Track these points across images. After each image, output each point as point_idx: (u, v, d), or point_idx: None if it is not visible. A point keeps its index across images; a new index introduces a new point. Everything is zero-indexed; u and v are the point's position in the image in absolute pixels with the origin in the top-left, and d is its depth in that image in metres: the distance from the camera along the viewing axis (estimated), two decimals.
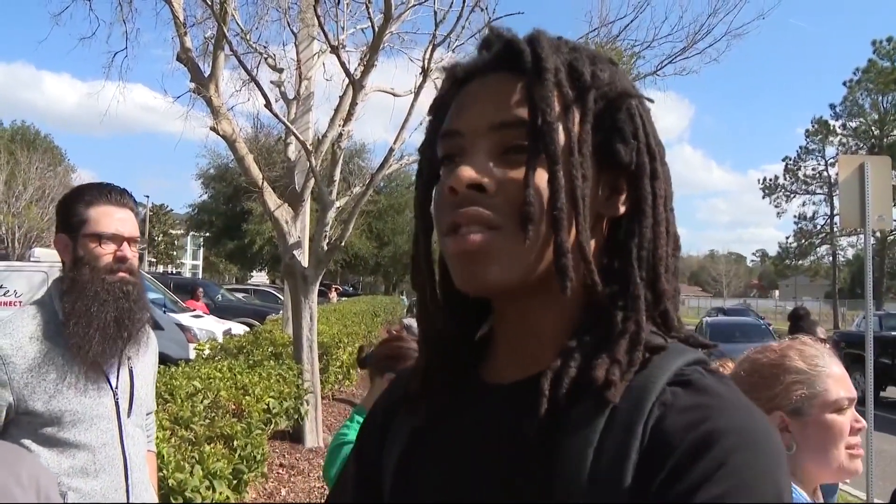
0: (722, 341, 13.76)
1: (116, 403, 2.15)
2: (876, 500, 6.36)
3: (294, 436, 7.99)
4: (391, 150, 7.81)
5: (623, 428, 0.72)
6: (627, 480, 0.70)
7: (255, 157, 8.37)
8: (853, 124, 49.78)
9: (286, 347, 8.70)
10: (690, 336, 0.84)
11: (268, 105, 7.64)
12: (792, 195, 53.27)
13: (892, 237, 44.55)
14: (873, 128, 48.72)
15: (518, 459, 0.78)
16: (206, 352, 8.45)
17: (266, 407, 5.73)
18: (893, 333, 14.95)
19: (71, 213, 2.15)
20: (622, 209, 0.84)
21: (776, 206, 53.94)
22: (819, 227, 52.36)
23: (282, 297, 17.08)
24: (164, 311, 13.24)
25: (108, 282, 2.11)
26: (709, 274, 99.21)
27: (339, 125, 7.81)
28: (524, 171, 0.78)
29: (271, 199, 7.87)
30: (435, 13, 7.69)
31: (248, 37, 8.51)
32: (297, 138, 7.75)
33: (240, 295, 25.49)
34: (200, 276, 61.92)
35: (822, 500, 1.73)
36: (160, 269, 66.64)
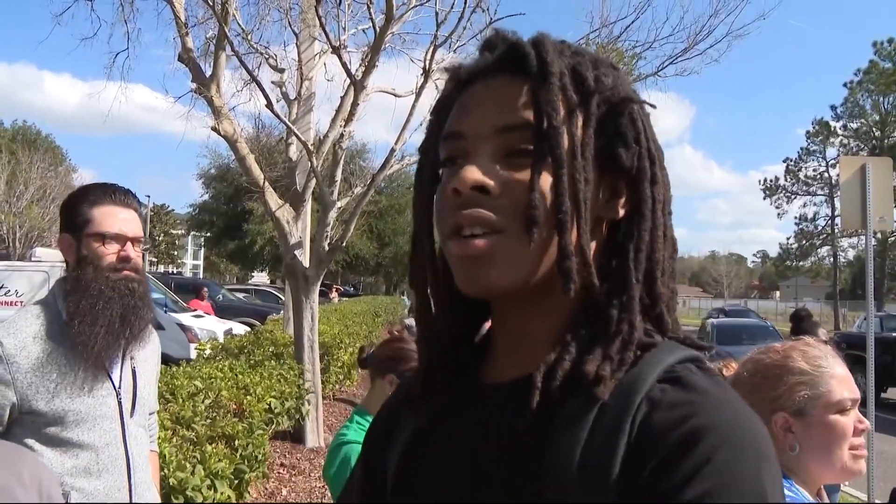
0: (728, 343, 13.72)
1: (119, 403, 2.16)
2: (876, 501, 6.36)
3: (295, 436, 7.99)
4: (392, 150, 7.81)
5: (611, 423, 0.73)
6: (615, 475, 0.70)
7: (257, 157, 8.37)
8: (854, 125, 49.76)
9: (287, 347, 8.70)
10: (686, 337, 0.84)
11: (269, 105, 7.64)
12: (793, 196, 53.25)
13: (893, 238, 44.51)
14: (874, 129, 48.70)
15: (515, 457, 0.78)
16: (208, 351, 8.45)
17: (267, 407, 5.73)
18: (894, 334, 14.94)
19: (75, 213, 2.15)
20: (622, 212, 0.85)
21: (777, 207, 53.93)
22: (820, 228, 52.33)
23: (282, 297, 17.09)
24: (166, 311, 13.25)
25: (112, 279, 2.12)
26: (709, 275, 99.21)
27: (341, 125, 7.81)
28: (529, 174, 0.78)
29: (273, 199, 7.87)
30: (436, 14, 7.69)
31: (249, 37, 8.51)
32: (299, 138, 7.75)
33: (241, 295, 25.49)
34: (201, 276, 61.90)
35: (826, 501, 1.74)
36: (161, 268, 66.61)
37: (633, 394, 0.74)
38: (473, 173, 0.79)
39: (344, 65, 7.47)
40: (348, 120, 7.73)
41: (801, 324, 7.73)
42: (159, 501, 2.37)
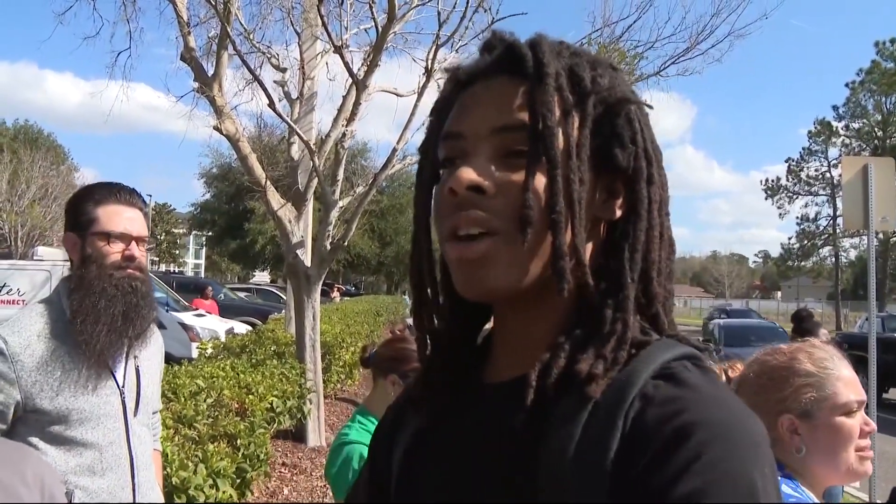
0: (736, 345, 13.69)
1: (123, 402, 2.16)
2: (878, 501, 6.36)
3: (297, 435, 8.00)
4: (394, 150, 7.80)
5: (605, 418, 0.73)
6: (608, 470, 0.70)
7: (259, 156, 8.37)
8: (856, 125, 49.69)
9: (289, 346, 8.70)
10: (684, 338, 0.84)
11: (271, 105, 7.64)
12: (795, 196, 53.18)
13: (894, 238, 44.45)
14: (876, 129, 48.64)
15: (512, 456, 0.78)
16: (209, 351, 8.46)
17: (269, 406, 5.73)
18: None
19: (80, 212, 2.16)
20: (619, 213, 0.85)
21: (779, 208, 53.87)
22: (822, 228, 52.27)
23: (283, 297, 17.07)
24: (167, 310, 13.25)
25: (115, 278, 2.12)
26: (711, 275, 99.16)
27: (343, 125, 7.81)
28: (524, 174, 0.79)
29: (274, 198, 7.88)
30: (438, 13, 7.68)
31: (251, 36, 8.50)
32: (301, 138, 7.74)
33: (242, 294, 25.51)
34: (203, 275, 61.93)
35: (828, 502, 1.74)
36: (163, 268, 66.66)
37: (626, 390, 0.74)
38: (469, 174, 0.80)
39: (346, 64, 7.47)
40: (350, 119, 7.73)
41: (803, 324, 7.71)
42: (162, 500, 2.37)
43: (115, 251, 2.13)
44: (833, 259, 54.00)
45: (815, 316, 8.47)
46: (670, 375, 0.75)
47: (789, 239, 56.34)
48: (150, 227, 2.30)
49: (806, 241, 53.19)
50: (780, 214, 54.56)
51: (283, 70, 8.89)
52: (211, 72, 7.73)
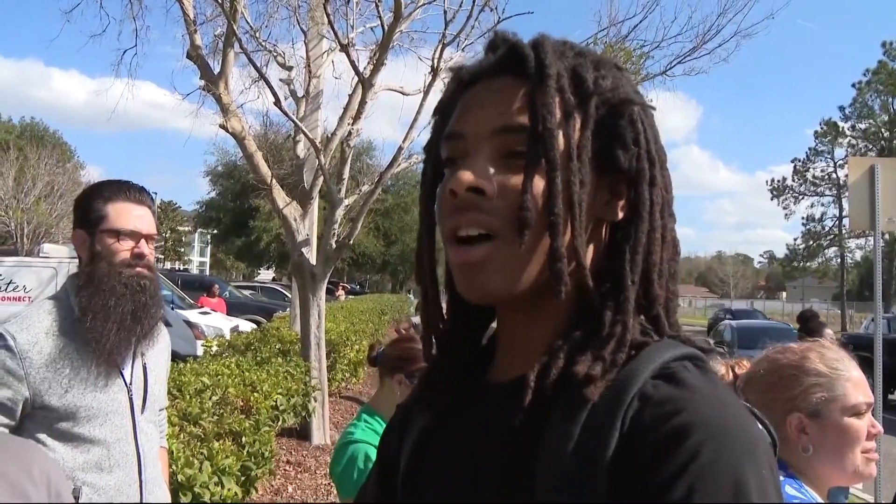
0: (750, 346, 13.63)
1: (130, 399, 2.17)
2: (883, 503, 6.34)
3: (301, 433, 8.01)
4: (400, 148, 7.81)
5: (604, 418, 0.73)
6: (607, 469, 0.70)
7: (264, 154, 8.38)
8: (862, 126, 49.55)
9: (294, 345, 8.71)
10: (686, 338, 0.84)
11: (277, 103, 7.65)
12: (800, 197, 53.05)
13: None
14: (883, 129, 48.49)
15: (512, 455, 0.79)
16: (214, 348, 8.47)
17: (274, 404, 5.74)
18: None
19: (89, 209, 2.16)
20: (621, 214, 0.85)
21: (784, 208, 53.76)
22: (827, 228, 52.13)
23: (288, 295, 17.07)
24: (173, 308, 13.27)
25: (125, 276, 2.12)
26: (716, 275, 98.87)
27: (349, 123, 7.82)
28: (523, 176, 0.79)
29: (280, 196, 7.89)
30: (444, 12, 7.69)
31: (257, 35, 8.52)
32: (307, 136, 7.75)
33: (247, 292, 25.53)
34: (208, 273, 62.01)
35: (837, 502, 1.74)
36: (168, 265, 66.73)
37: (626, 389, 0.74)
38: (469, 175, 0.80)
39: (352, 63, 7.48)
40: (356, 118, 7.73)
41: (808, 324, 7.70)
42: (169, 497, 2.38)
43: (124, 248, 2.14)
44: (838, 260, 53.89)
45: (821, 316, 8.46)
46: (670, 375, 0.75)
47: (795, 239, 56.25)
48: (157, 224, 2.30)
49: (811, 242, 53.06)
50: (786, 215, 54.56)
51: (289, 68, 8.90)
52: (217, 70, 7.74)
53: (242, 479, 4.28)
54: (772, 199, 54.49)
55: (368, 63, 7.80)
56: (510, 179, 0.80)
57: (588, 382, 0.75)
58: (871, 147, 48.00)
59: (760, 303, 66.46)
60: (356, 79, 7.68)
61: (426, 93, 7.73)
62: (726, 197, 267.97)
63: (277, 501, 6.20)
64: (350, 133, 7.79)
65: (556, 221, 0.78)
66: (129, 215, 2.15)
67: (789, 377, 1.65)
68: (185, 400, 4.78)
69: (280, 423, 6.08)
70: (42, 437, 2.00)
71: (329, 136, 8.28)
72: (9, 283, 11.62)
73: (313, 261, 8.03)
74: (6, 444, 1.37)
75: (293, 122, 7.95)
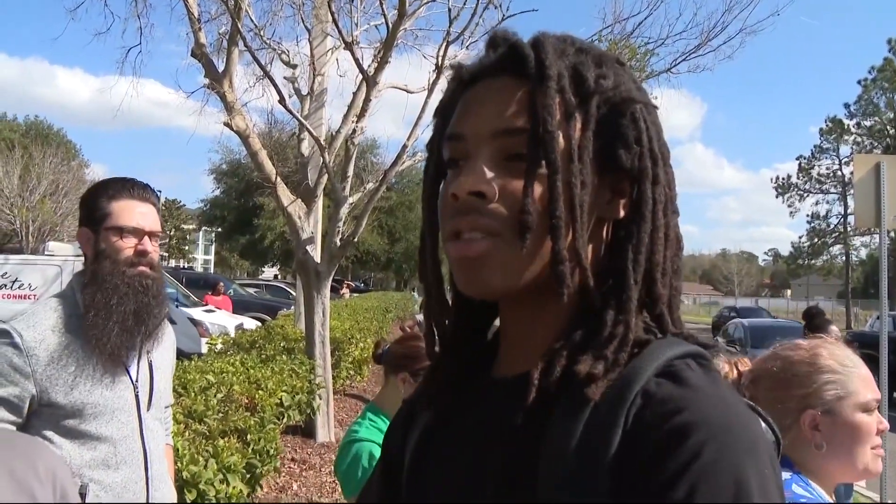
0: (763, 346, 13.62)
1: (136, 397, 2.17)
2: (889, 502, 6.33)
3: (306, 430, 8.02)
4: (404, 146, 7.80)
5: (607, 415, 0.73)
6: (609, 466, 0.70)
7: (269, 152, 8.39)
8: (868, 123, 49.35)
9: (298, 342, 8.73)
10: (689, 336, 0.84)
11: (281, 101, 7.65)
12: (805, 194, 52.91)
13: None
14: (889, 127, 48.28)
15: (514, 453, 0.79)
16: (219, 346, 8.48)
17: (279, 401, 5.75)
18: None
19: (94, 207, 2.17)
20: (623, 212, 0.85)
21: (789, 206, 53.60)
22: (832, 226, 51.99)
23: (292, 293, 17.07)
24: (177, 306, 13.29)
25: (128, 275, 2.13)
26: (720, 272, 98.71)
27: (353, 121, 7.82)
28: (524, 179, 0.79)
29: (285, 194, 7.89)
30: (449, 10, 7.67)
31: (262, 33, 8.52)
32: (311, 134, 7.75)
33: (251, 290, 25.56)
34: (212, 271, 62.09)
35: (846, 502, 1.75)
36: (172, 263, 66.84)
37: (629, 387, 0.74)
38: (471, 179, 0.80)
39: (356, 61, 7.47)
40: (360, 116, 7.73)
41: (814, 321, 7.69)
42: (174, 494, 2.38)
43: (127, 246, 2.14)
44: (843, 257, 53.73)
45: (826, 314, 8.44)
46: (672, 373, 0.75)
47: (800, 237, 56.05)
48: (163, 222, 2.30)
49: (816, 240, 52.90)
50: (791, 213, 54.24)
51: (294, 66, 8.91)
52: (221, 68, 7.74)
53: (247, 476, 4.29)
54: (776, 197, 54.36)
55: (373, 61, 7.80)
56: (511, 182, 0.79)
57: (590, 381, 0.75)
58: (876, 144, 47.78)
59: (765, 300, 66.35)
60: (360, 77, 7.67)
61: (430, 91, 7.72)
62: (731, 194, 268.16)
63: (282, 499, 6.21)
64: (354, 131, 7.79)
65: (558, 224, 0.78)
66: (132, 212, 2.15)
67: (804, 374, 1.65)
68: (190, 397, 4.79)
69: (285, 420, 6.09)
70: (49, 434, 2.01)
71: (333, 133, 8.28)
72: (14, 281, 11.66)
73: (318, 259, 8.03)
74: (12, 441, 1.37)
75: (297, 120, 7.95)
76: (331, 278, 8.18)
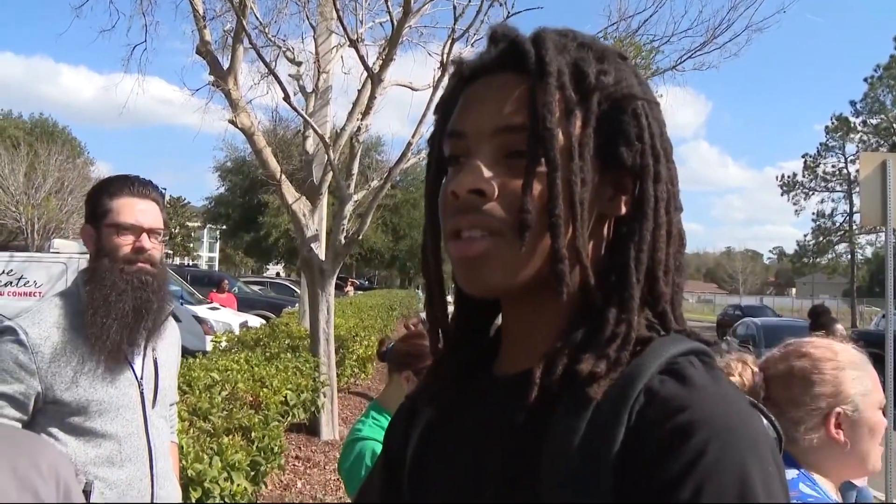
0: (776, 345, 13.55)
1: (141, 394, 2.17)
2: (894, 501, 6.31)
3: (310, 428, 8.02)
4: (409, 144, 7.80)
5: (610, 413, 0.73)
6: (613, 464, 0.70)
7: (273, 150, 8.38)
8: (874, 121, 49.15)
9: (303, 340, 8.72)
10: (692, 333, 0.84)
11: (286, 98, 7.65)
12: (810, 192, 52.73)
13: None
14: (894, 124, 48.12)
15: (516, 450, 0.79)
16: (224, 344, 8.50)
17: (283, 399, 5.75)
18: None
19: (96, 204, 2.18)
20: (625, 209, 0.84)
21: (794, 204, 53.44)
22: (838, 224, 51.83)
23: (297, 290, 17.06)
24: (182, 303, 13.31)
25: (126, 271, 2.13)
26: (725, 271, 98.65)
27: (358, 119, 7.82)
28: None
29: (289, 192, 7.89)
30: (454, 7, 7.68)
31: (266, 30, 8.52)
32: (316, 132, 7.75)
33: (256, 287, 25.57)
34: (217, 269, 62.20)
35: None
36: (177, 261, 66.94)
37: (632, 384, 0.74)
38: (470, 177, 0.80)
39: (361, 58, 7.47)
40: (365, 113, 7.73)
41: (819, 319, 7.67)
42: (179, 491, 2.39)
43: (126, 243, 2.14)
44: (849, 256, 53.58)
45: (831, 312, 8.42)
46: (675, 371, 0.74)
47: (805, 235, 55.87)
48: (167, 219, 2.30)
49: (822, 238, 52.72)
50: (796, 211, 53.99)
51: (299, 64, 8.92)
52: (226, 65, 7.75)
53: (252, 474, 4.29)
54: (781, 195, 54.18)
55: (377, 58, 7.80)
56: (511, 180, 0.79)
57: (592, 381, 0.75)
58: (882, 142, 47.58)
59: (770, 299, 66.22)
60: (365, 74, 7.67)
61: (435, 88, 7.71)
62: (735, 193, 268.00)
63: (287, 497, 6.22)
64: (359, 128, 7.79)
65: (557, 223, 0.77)
66: (130, 209, 2.15)
67: (831, 373, 1.65)
68: (195, 395, 4.80)
69: (289, 418, 6.09)
70: (54, 431, 2.01)
71: (338, 131, 8.28)
72: (19, 279, 11.70)
73: (322, 256, 8.04)
74: (15, 438, 1.37)
75: (302, 117, 7.95)
76: (335, 276, 8.18)
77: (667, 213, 0.84)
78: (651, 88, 0.90)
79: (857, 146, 49.06)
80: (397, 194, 36.47)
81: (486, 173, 0.80)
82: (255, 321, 14.84)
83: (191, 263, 67.75)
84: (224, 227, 44.45)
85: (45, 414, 2.02)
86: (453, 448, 0.88)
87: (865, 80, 48.35)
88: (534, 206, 0.77)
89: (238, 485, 3.90)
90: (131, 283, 2.13)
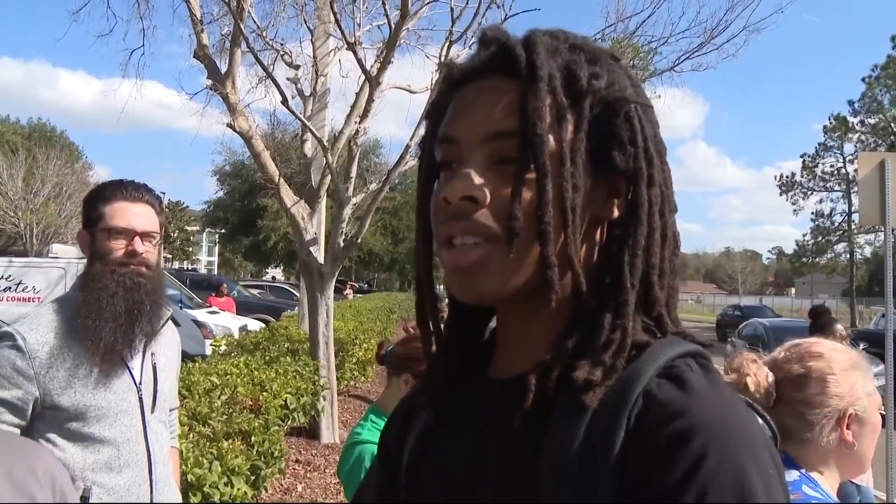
0: None
1: (140, 399, 2.17)
2: (894, 501, 6.30)
3: (310, 432, 8.02)
4: (407, 146, 7.80)
5: (609, 416, 0.72)
6: (613, 468, 0.70)
7: (272, 153, 8.38)
8: (872, 121, 49.15)
9: (302, 344, 8.72)
10: (688, 335, 0.84)
11: (284, 102, 7.65)
12: (809, 192, 52.71)
13: None
14: (893, 124, 48.05)
15: (514, 454, 0.78)
16: (223, 348, 8.49)
17: (283, 403, 5.74)
18: None
19: (90, 209, 2.19)
20: (618, 212, 0.84)
21: (793, 204, 53.41)
22: (836, 224, 51.81)
23: (296, 294, 17.05)
24: (181, 308, 13.30)
25: (118, 274, 2.12)
26: (724, 271, 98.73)
27: (356, 122, 7.82)
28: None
29: (288, 195, 7.89)
30: (451, 10, 7.68)
31: (264, 33, 8.52)
32: (314, 135, 7.75)
33: (255, 291, 25.58)
34: (216, 273, 62.18)
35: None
36: (176, 265, 66.92)
37: (631, 388, 0.73)
38: (462, 184, 0.79)
39: (359, 61, 7.47)
40: (363, 116, 7.73)
41: (819, 319, 7.66)
42: (180, 497, 2.38)
43: (118, 247, 2.14)
44: (848, 255, 53.56)
45: (831, 312, 8.41)
46: (673, 375, 0.74)
47: (804, 235, 55.85)
48: (164, 223, 2.29)
49: (820, 238, 52.70)
50: (795, 211, 53.87)
51: (296, 67, 8.91)
52: (224, 69, 7.74)
53: (252, 478, 4.28)
54: (780, 195, 54.08)
55: (375, 61, 7.79)
56: (502, 187, 0.79)
57: (588, 389, 0.74)
58: (881, 142, 47.53)
59: (769, 299, 66.28)
60: (363, 77, 7.68)
61: (433, 91, 7.70)
62: (734, 193, 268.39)
63: (287, 501, 6.21)
64: (357, 131, 7.79)
65: (546, 230, 0.77)
66: (123, 213, 2.15)
67: (843, 375, 1.66)
68: (195, 400, 4.79)
69: (289, 422, 6.08)
70: (52, 437, 2.01)
71: (336, 134, 8.28)
72: (18, 284, 11.68)
73: (321, 260, 8.03)
74: (12, 444, 1.37)
75: (300, 120, 7.95)
76: (334, 279, 8.17)
77: (661, 217, 0.83)
78: (643, 89, 0.90)
79: (856, 146, 49.02)
80: (396, 197, 36.50)
81: (478, 180, 0.79)
82: (254, 325, 14.83)
83: (190, 267, 67.79)
84: (223, 230, 44.52)
85: (44, 419, 2.02)
86: (450, 450, 0.88)
87: (863, 79, 48.36)
88: (523, 212, 0.77)
89: (238, 489, 3.89)
90: (123, 284, 2.12)
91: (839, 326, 7.00)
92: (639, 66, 10.43)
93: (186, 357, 6.51)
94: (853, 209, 46.42)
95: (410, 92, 8.61)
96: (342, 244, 7.83)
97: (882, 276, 6.98)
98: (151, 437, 2.18)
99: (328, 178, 8.05)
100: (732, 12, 10.30)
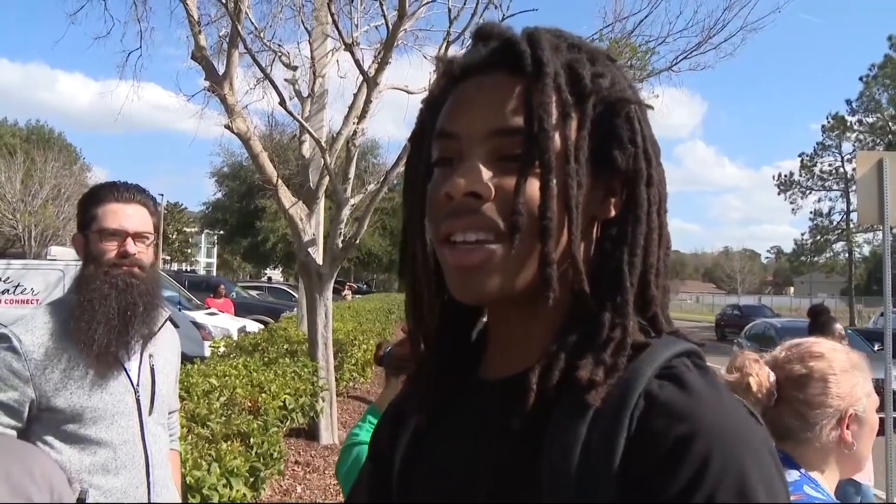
0: None
1: (137, 401, 2.16)
2: (894, 501, 6.30)
3: (309, 433, 8.01)
4: (405, 147, 7.79)
5: (610, 419, 0.72)
6: (616, 471, 0.69)
7: (270, 154, 8.38)
8: (870, 120, 49.18)
9: (301, 345, 8.72)
10: (682, 334, 0.83)
11: (282, 103, 7.64)
12: (807, 191, 52.72)
13: None
14: (891, 123, 48.10)
15: (511, 456, 0.78)
16: (222, 349, 8.48)
17: (282, 404, 5.74)
18: None
19: (84, 212, 2.19)
20: (614, 211, 0.83)
21: (791, 203, 53.40)
22: (835, 223, 51.84)
23: (295, 295, 17.05)
24: (180, 309, 13.30)
25: (111, 275, 2.12)
26: (723, 271, 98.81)
27: (354, 123, 7.81)
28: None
29: (286, 196, 7.88)
30: (449, 10, 7.68)
31: (262, 35, 8.52)
32: (312, 136, 7.75)
33: (254, 292, 25.58)
34: (215, 274, 62.19)
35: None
36: (174, 266, 66.91)
37: (631, 389, 0.73)
38: (466, 180, 0.78)
39: (357, 62, 7.47)
40: (361, 117, 7.72)
41: (818, 319, 7.65)
42: (179, 499, 2.37)
43: (111, 248, 2.14)
44: (846, 254, 53.59)
45: (830, 311, 8.42)
46: (673, 376, 0.74)
47: (802, 234, 55.79)
48: (159, 223, 2.29)
49: (819, 237, 52.73)
50: (793, 210, 53.86)
51: (294, 68, 8.91)
52: (222, 70, 7.73)
53: (251, 480, 4.28)
54: (778, 195, 54.06)
55: (373, 62, 7.79)
56: (505, 183, 0.78)
57: (591, 388, 0.74)
58: (878, 141, 47.55)
59: (768, 298, 66.33)
60: (361, 78, 7.67)
61: (431, 85, 7.70)
62: (732, 192, 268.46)
63: (286, 502, 6.20)
64: (355, 132, 7.79)
65: (548, 226, 0.76)
66: (115, 214, 2.15)
67: (844, 375, 1.66)
68: (193, 401, 4.78)
69: (288, 423, 6.08)
70: (49, 439, 2.00)
71: (334, 135, 8.28)
72: (16, 286, 11.68)
73: (320, 261, 8.03)
74: (8, 446, 1.38)
75: (298, 122, 7.95)
76: (333, 280, 8.17)
77: (658, 217, 0.83)
78: (637, 90, 0.90)
79: (854, 145, 49.03)
80: (394, 198, 36.32)
81: (483, 176, 0.78)
82: (253, 326, 14.83)
83: (189, 269, 67.80)
84: (221, 232, 44.55)
85: (40, 421, 2.01)
86: (445, 452, 0.87)
87: (861, 79, 48.40)
88: (526, 209, 0.76)
89: (237, 491, 3.88)
90: (115, 286, 2.12)
91: (838, 326, 6.99)
92: (637, 66, 10.42)
93: (185, 358, 6.49)
94: (851, 208, 46.44)
95: (408, 93, 8.61)
96: (341, 245, 7.82)
97: (881, 274, 6.99)
98: (149, 438, 2.17)
99: (326, 178, 8.04)
100: (730, 12, 10.29)
